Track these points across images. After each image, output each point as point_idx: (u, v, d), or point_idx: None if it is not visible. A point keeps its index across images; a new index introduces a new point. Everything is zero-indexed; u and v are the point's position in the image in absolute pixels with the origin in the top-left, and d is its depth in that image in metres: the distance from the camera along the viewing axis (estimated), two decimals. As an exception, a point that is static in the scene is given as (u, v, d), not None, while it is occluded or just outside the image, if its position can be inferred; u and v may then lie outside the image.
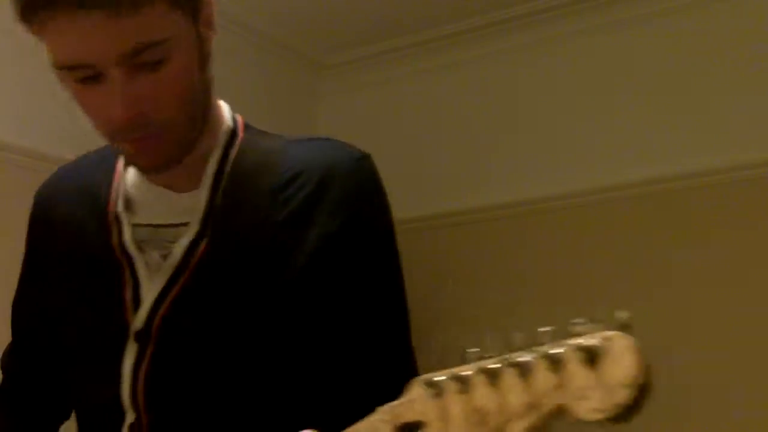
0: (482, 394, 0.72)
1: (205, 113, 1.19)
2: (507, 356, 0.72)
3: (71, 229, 1.27)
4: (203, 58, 1.15)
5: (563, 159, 3.68)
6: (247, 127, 1.27)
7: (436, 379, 0.77)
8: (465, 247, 3.84)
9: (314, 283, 1.16)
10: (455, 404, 0.75)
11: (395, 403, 0.82)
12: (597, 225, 3.57)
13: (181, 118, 1.13)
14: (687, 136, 3.44)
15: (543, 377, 0.68)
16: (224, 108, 1.26)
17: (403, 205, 3.87)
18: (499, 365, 0.72)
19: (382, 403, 1.14)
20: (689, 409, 3.25)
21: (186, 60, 1.11)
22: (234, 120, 1.26)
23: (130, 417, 1.16)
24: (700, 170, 3.39)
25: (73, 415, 1.40)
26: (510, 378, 0.71)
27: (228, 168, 1.22)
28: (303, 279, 1.16)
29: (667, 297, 3.31)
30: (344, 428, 0.96)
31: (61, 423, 1.42)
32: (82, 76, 1.07)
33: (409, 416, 0.79)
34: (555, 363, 0.67)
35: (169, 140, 1.13)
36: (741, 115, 3.35)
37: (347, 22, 3.86)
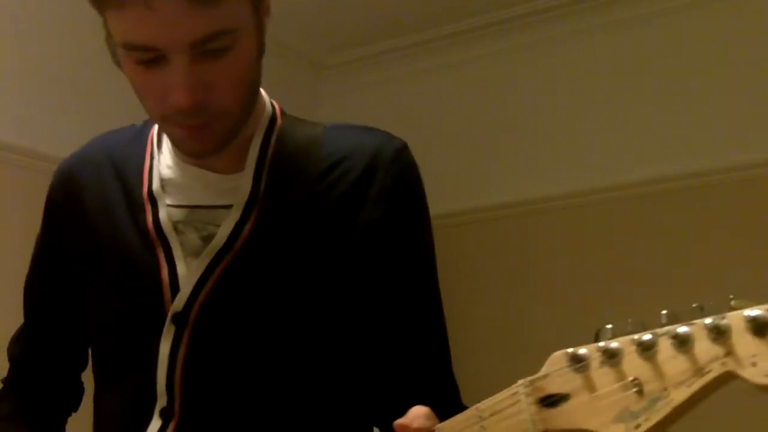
0: (635, 366, 0.74)
1: (254, 100, 1.20)
2: (660, 330, 0.73)
3: (99, 208, 1.25)
4: (261, 48, 1.15)
5: (563, 159, 3.70)
6: (283, 113, 1.28)
7: (580, 351, 0.78)
8: (465, 247, 3.84)
9: (359, 269, 1.17)
10: (603, 375, 0.77)
11: (535, 377, 0.83)
12: (597, 225, 3.58)
13: (236, 108, 1.13)
14: (687, 136, 3.47)
15: (706, 346, 0.70)
16: (264, 94, 1.27)
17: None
18: (651, 337, 0.73)
19: (425, 387, 1.18)
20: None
21: (248, 49, 1.11)
22: (272, 105, 1.27)
23: (161, 401, 1.14)
24: (700, 170, 3.42)
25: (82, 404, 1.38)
26: (667, 349, 0.72)
27: (270, 152, 1.22)
28: (348, 264, 1.17)
29: (667, 297, 3.33)
30: (389, 415, 1.01)
31: (69, 414, 1.39)
32: (146, 58, 1.06)
33: (552, 389, 0.81)
34: (719, 333, 0.69)
35: (221, 128, 1.13)
36: (741, 115, 3.38)
37: (347, 22, 3.86)
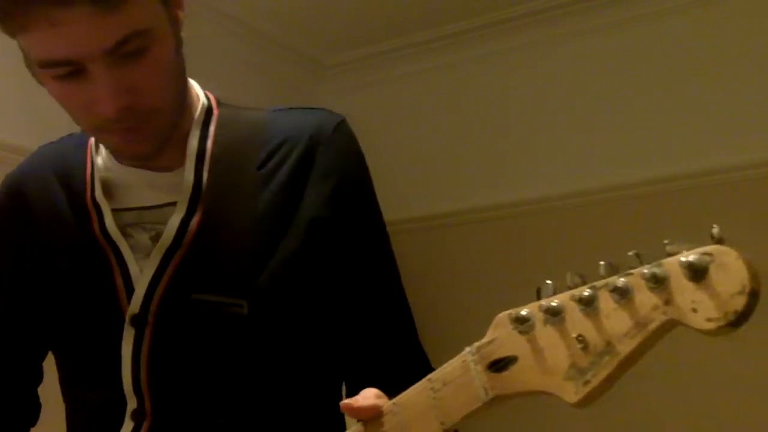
0: (578, 322, 0.74)
1: (183, 94, 1.20)
2: (599, 282, 0.73)
3: (48, 219, 1.24)
4: (178, 41, 1.15)
5: (563, 159, 3.69)
6: (220, 103, 1.28)
7: (522, 313, 0.78)
8: (465, 247, 3.84)
9: (311, 249, 1.16)
10: (547, 335, 0.77)
11: (481, 342, 0.84)
12: (597, 225, 3.57)
13: (166, 104, 1.13)
14: (687, 136, 3.45)
15: (645, 296, 0.70)
16: (195, 86, 1.26)
17: (403, 204, 3.91)
18: (591, 291, 0.73)
19: (396, 366, 1.18)
20: (689, 408, 3.26)
21: (165, 46, 1.11)
22: (207, 97, 1.27)
23: (132, 404, 1.13)
24: (700, 170, 3.40)
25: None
26: (607, 302, 0.73)
27: (209, 144, 1.21)
28: (300, 245, 1.16)
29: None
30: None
31: (27, 431, 1.36)
32: (63, 72, 1.06)
33: (499, 353, 0.81)
34: (657, 281, 0.69)
35: (155, 127, 1.13)
36: (741, 115, 3.37)
37: (347, 22, 3.86)
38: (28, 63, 1.11)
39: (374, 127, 4.10)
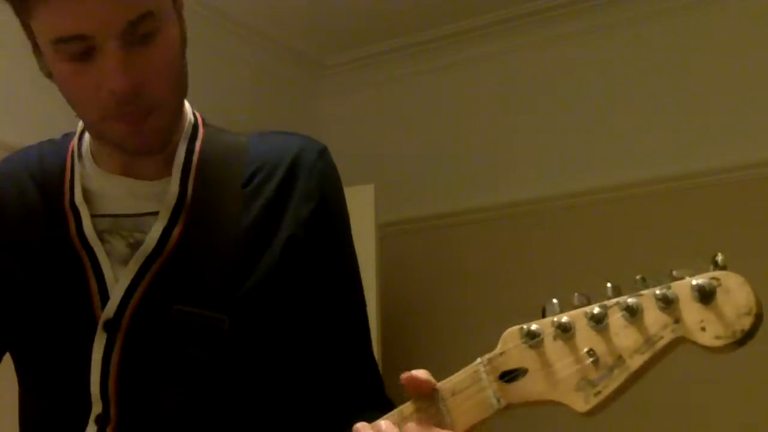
0: (588, 337, 0.78)
1: (183, 99, 1.22)
2: (609, 302, 0.77)
3: (20, 220, 1.24)
4: (184, 40, 1.17)
5: (563, 159, 3.70)
6: (205, 123, 1.30)
7: (533, 327, 0.81)
8: (465, 247, 3.85)
9: (290, 266, 1.19)
10: (557, 349, 0.82)
11: (492, 354, 0.87)
12: (597, 225, 3.58)
13: (172, 98, 1.15)
14: (687, 137, 3.47)
15: (656, 315, 0.75)
16: (186, 103, 1.28)
17: (403, 204, 3.93)
18: (601, 309, 0.76)
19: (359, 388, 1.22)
20: (687, 408, 3.27)
21: (173, 35, 1.13)
22: (194, 115, 1.29)
23: (96, 408, 1.13)
24: (700, 170, 3.41)
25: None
26: (617, 320, 0.78)
27: (195, 158, 1.23)
28: (277, 265, 1.18)
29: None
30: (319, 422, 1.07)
31: None
32: (77, 50, 1.07)
33: (510, 365, 0.85)
34: (667, 302, 0.74)
35: (161, 120, 1.14)
36: (741, 115, 3.38)
37: (347, 22, 3.87)
38: (37, 51, 1.13)
39: (374, 127, 4.11)
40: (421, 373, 0.94)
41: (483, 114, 3.90)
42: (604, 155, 3.61)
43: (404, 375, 0.96)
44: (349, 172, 4.49)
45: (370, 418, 0.97)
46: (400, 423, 0.92)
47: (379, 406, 1.17)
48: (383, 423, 0.94)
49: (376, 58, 4.09)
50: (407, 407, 0.94)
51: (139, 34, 1.07)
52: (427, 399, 0.92)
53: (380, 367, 1.31)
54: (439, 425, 0.91)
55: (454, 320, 3.72)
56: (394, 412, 0.95)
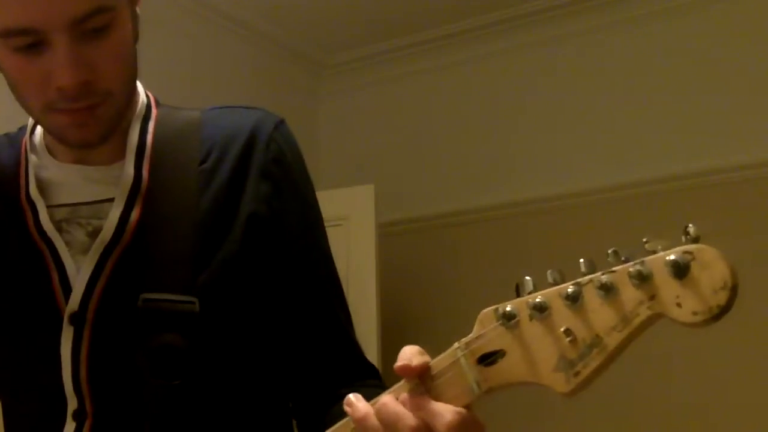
0: (564, 317, 0.77)
1: (134, 85, 1.20)
2: (583, 279, 0.76)
3: None
4: (136, 32, 1.15)
5: (563, 159, 3.70)
6: (158, 103, 1.27)
7: (508, 309, 0.80)
8: (465, 247, 3.84)
9: (253, 244, 1.16)
10: (534, 329, 0.80)
11: (469, 338, 0.85)
12: (597, 225, 3.57)
13: (121, 90, 1.13)
14: (687, 137, 3.46)
15: (631, 292, 0.74)
16: (138, 84, 1.25)
17: (403, 204, 3.92)
18: (575, 288, 0.75)
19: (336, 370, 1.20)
20: (683, 406, 3.26)
21: (125, 30, 1.11)
22: (147, 96, 1.26)
23: (72, 404, 1.11)
24: (700, 170, 3.41)
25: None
26: (593, 298, 0.77)
27: (149, 139, 1.21)
28: (243, 241, 1.15)
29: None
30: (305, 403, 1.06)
31: None
32: (24, 43, 1.05)
33: (488, 348, 0.84)
34: (642, 278, 0.73)
35: (107, 112, 1.12)
36: (740, 115, 3.38)
37: (347, 22, 3.87)
38: None
39: (374, 127, 4.11)
40: (414, 360, 0.92)
41: (483, 114, 3.89)
42: (603, 155, 3.61)
43: (398, 365, 0.93)
44: (349, 172, 4.51)
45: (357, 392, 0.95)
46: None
47: (360, 376, 1.17)
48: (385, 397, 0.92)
49: (376, 58, 4.09)
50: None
51: (89, 28, 1.05)
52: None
53: (380, 366, 1.29)
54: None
55: (454, 320, 3.69)
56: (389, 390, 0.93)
